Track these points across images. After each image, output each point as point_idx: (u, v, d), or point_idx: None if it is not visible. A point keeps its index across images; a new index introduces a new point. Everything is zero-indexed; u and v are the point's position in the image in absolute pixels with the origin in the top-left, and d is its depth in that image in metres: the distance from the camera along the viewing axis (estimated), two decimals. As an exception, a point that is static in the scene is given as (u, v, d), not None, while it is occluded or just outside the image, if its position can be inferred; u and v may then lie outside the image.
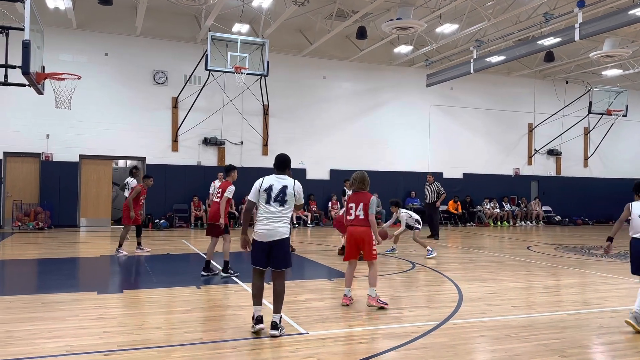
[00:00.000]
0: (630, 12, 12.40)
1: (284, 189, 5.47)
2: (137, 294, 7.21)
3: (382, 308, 6.25)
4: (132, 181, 11.47)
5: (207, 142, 18.35)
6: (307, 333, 5.17)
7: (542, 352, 4.73)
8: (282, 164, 5.78)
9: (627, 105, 22.20)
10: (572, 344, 4.99)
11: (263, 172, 20.06)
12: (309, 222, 18.83)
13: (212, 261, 8.65)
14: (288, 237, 5.27)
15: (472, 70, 17.78)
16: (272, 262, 5.24)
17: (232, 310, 6.14)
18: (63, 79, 10.25)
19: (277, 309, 5.18)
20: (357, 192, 6.83)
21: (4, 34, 8.48)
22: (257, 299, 5.28)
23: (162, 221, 17.33)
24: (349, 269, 6.68)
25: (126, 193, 11.51)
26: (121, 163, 20.87)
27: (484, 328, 5.55)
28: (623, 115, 22.26)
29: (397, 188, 20.78)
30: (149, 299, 6.83)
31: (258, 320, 5.15)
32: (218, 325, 5.47)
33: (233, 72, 15.72)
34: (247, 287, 7.39)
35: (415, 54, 19.57)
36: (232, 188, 8.48)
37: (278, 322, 5.07)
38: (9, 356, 4.42)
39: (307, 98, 19.75)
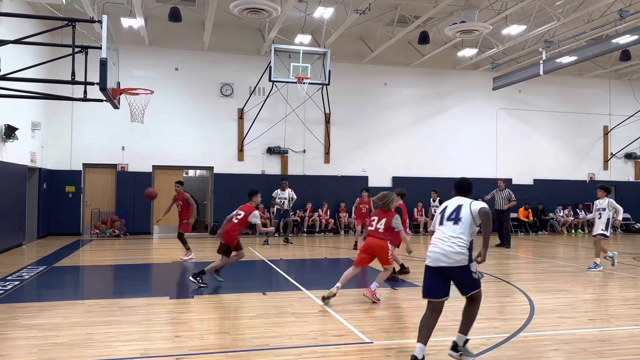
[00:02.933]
0: None
1: (457, 209, 4.88)
2: (207, 299, 7.44)
3: (374, 302, 6.89)
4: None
5: (270, 151, 18.73)
6: (371, 342, 5.13)
7: (623, 370, 4.44)
8: (464, 188, 5.10)
9: None
10: (657, 362, 4.66)
11: (325, 180, 20.31)
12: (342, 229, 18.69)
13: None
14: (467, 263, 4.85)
15: (541, 72, 17.07)
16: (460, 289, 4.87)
17: (297, 317, 6.20)
18: (137, 94, 10.81)
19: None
20: (382, 209, 7.31)
21: (84, 53, 9.07)
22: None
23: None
24: (352, 270, 7.17)
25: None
26: (191, 173, 21.72)
27: (558, 341, 5.28)
28: None
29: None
30: (218, 305, 7.04)
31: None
32: (282, 332, 5.55)
33: (295, 82, 15.97)
34: (311, 295, 7.44)
35: (480, 57, 19.06)
36: (256, 213, 8.42)
37: (461, 345, 4.64)
38: (89, 357, 4.69)
39: (368, 105, 19.72)
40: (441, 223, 4.89)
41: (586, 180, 21.61)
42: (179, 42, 18.03)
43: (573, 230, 20.36)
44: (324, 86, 17.26)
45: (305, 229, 18.30)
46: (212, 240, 16.42)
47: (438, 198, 16.86)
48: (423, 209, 19.47)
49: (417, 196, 19.44)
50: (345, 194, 18.99)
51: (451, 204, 4.95)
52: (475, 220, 4.80)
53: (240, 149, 18.56)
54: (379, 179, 19.69)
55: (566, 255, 13.41)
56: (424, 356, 4.43)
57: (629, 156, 22.09)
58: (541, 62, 16.98)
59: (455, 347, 4.67)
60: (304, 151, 19.13)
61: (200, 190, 21.19)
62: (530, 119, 21.25)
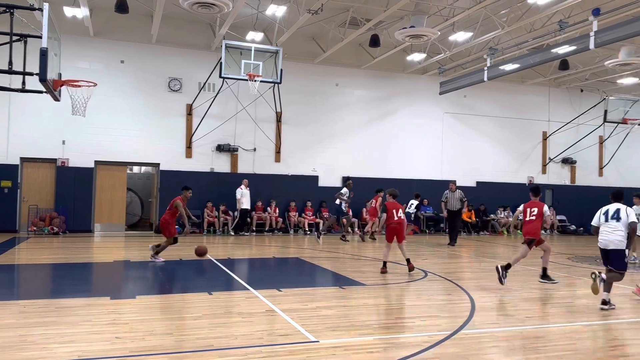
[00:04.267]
0: (647, 20, 12.26)
1: (617, 211, 7.11)
2: (150, 299, 7.23)
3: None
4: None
5: (220, 148, 18.45)
6: (317, 341, 5.14)
7: (555, 364, 4.65)
8: (619, 196, 7.40)
9: (644, 114, 21.91)
10: (586, 356, 4.91)
11: (275, 178, 20.22)
12: (321, 228, 18.76)
13: None
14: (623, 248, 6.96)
15: (485, 79, 17.69)
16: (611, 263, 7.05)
17: (243, 317, 6.13)
18: (79, 86, 10.39)
19: (607, 287, 6.98)
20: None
21: (23, 41, 8.63)
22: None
23: (175, 227, 17.36)
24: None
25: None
26: (136, 169, 21.09)
27: (497, 338, 5.48)
28: (639, 124, 21.95)
29: (410, 196, 20.65)
30: (161, 305, 6.86)
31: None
32: (228, 332, 5.47)
33: (247, 80, 15.82)
34: (259, 294, 7.39)
35: (428, 62, 19.53)
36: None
37: (607, 300, 6.90)
38: (22, 360, 4.46)
39: (319, 105, 19.80)
40: (606, 220, 7.10)
41: (525, 183, 22.54)
42: (126, 34, 17.47)
43: (507, 231, 21.18)
44: (276, 85, 17.19)
45: (254, 228, 18.15)
46: (156, 239, 16.02)
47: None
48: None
49: (367, 196, 19.66)
50: (295, 193, 19.01)
51: (612, 207, 7.17)
52: (630, 217, 7.00)
53: (189, 146, 18.19)
54: (329, 179, 19.82)
55: (506, 255, 13.93)
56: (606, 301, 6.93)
57: (565, 161, 23.23)
58: (486, 68, 17.59)
59: (604, 302, 6.93)
60: (255, 149, 18.97)
61: (145, 187, 20.61)
62: (475, 123, 21.97)
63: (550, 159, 23.06)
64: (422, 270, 10.20)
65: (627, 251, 6.93)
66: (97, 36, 17.12)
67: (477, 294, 7.89)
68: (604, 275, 7.07)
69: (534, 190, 9.61)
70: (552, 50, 15.24)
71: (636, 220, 6.95)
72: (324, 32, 17.86)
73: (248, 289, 7.82)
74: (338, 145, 19.97)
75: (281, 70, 16.14)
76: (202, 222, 17.87)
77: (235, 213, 18.04)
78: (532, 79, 22.02)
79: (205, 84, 17.78)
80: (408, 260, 9.92)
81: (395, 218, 9.77)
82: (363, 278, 9.09)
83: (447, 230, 16.18)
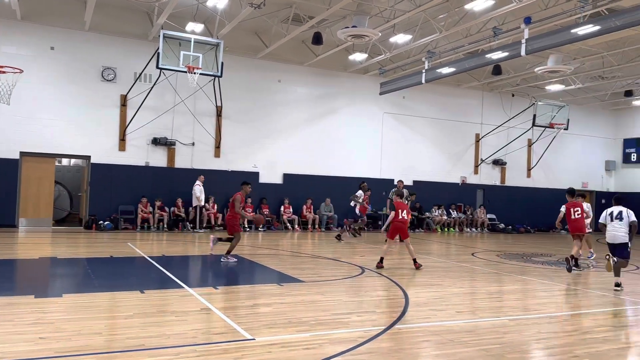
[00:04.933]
0: (573, 30, 13.04)
1: (620, 212, 8.81)
2: (77, 298, 6.91)
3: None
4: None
5: (156, 142, 17.92)
6: (253, 339, 5.11)
7: (483, 357, 4.86)
8: (621, 200, 9.12)
9: (569, 119, 23.30)
10: (512, 349, 5.16)
11: (214, 174, 19.92)
12: (261, 226, 18.66)
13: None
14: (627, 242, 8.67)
15: (423, 81, 18.20)
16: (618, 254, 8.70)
17: (177, 316, 5.99)
18: (4, 72, 9.77)
19: (617, 272, 8.65)
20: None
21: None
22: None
23: (106, 223, 16.75)
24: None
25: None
26: (65, 162, 20.10)
27: (429, 333, 5.65)
28: (564, 129, 23.35)
29: (349, 193, 20.91)
30: (89, 304, 6.57)
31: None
32: (161, 331, 5.32)
33: (185, 72, 15.42)
34: (194, 292, 7.24)
35: (369, 62, 19.84)
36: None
37: (619, 283, 8.59)
38: None
39: (261, 101, 19.64)
40: (612, 220, 8.78)
41: (459, 183, 23.43)
42: (57, 20, 16.59)
43: (446, 229, 21.97)
44: (216, 78, 16.88)
45: (190, 224, 17.76)
46: (86, 235, 15.35)
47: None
48: (312, 207, 19.81)
49: (307, 194, 19.77)
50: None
51: (615, 209, 8.86)
52: (631, 218, 8.69)
53: (122, 138, 17.53)
54: (270, 176, 19.74)
55: (439, 252, 14.43)
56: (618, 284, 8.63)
57: (496, 162, 24.33)
58: (424, 71, 18.09)
59: (617, 284, 8.61)
60: (193, 144, 18.56)
61: (74, 180, 19.73)
62: (413, 124, 22.56)
63: (482, 160, 24.07)
64: (360, 266, 10.37)
65: (629, 243, 8.68)
66: (25, 20, 16.15)
67: (412, 290, 8.11)
68: (615, 258, 8.68)
69: (570, 192, 11.48)
70: (486, 56, 15.89)
71: (636, 220, 8.71)
72: (267, 27, 17.74)
73: (183, 287, 7.64)
74: (280, 142, 19.91)
75: (222, 63, 15.87)
76: (136, 218, 17.30)
77: (190, 209, 17.70)
78: (467, 82, 22.88)
79: (141, 74, 17.19)
80: (414, 261, 10.52)
81: (400, 217, 10.50)
82: (302, 275, 9.12)
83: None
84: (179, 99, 17.95)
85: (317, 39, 17.20)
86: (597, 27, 12.50)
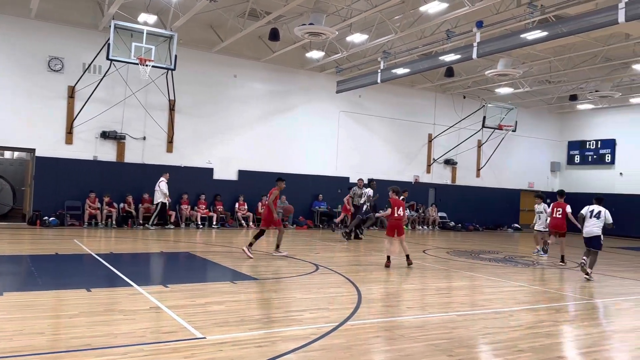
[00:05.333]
0: (522, 35, 13.50)
1: (599, 212, 10.13)
2: (19, 296, 6.62)
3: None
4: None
5: (105, 135, 17.36)
6: (204, 338, 5.04)
7: (432, 352, 4.98)
8: (601, 200, 10.47)
9: (517, 122, 24.14)
10: (459, 344, 5.31)
11: (167, 170, 19.43)
12: (215, 222, 18.44)
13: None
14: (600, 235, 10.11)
15: (379, 80, 18.43)
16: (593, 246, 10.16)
17: (125, 315, 5.84)
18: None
19: (591, 265, 10.16)
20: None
21: None
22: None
23: (51, 219, 16.10)
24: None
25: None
26: (7, 154, 19.19)
27: (380, 329, 5.74)
28: (512, 131, 24.17)
29: (305, 191, 20.99)
30: (32, 303, 6.30)
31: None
32: (108, 331, 5.17)
33: (137, 64, 14.99)
34: (143, 290, 7.07)
35: (326, 60, 19.90)
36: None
37: (589, 272, 10.11)
38: None
39: (216, 96, 19.36)
40: (591, 217, 10.11)
41: (412, 182, 23.88)
42: (0, 6, 15.77)
43: (399, 227, 22.33)
44: (169, 71, 16.48)
45: (141, 221, 17.32)
46: (29, 232, 14.72)
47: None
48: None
49: (263, 190, 19.62)
50: (188, 185, 18.43)
51: (595, 208, 10.19)
52: (607, 218, 10.02)
53: (69, 131, 16.89)
54: (225, 172, 19.51)
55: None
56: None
57: (447, 162, 24.94)
58: (379, 71, 18.33)
59: (587, 273, 10.13)
60: (144, 138, 18.10)
61: (17, 174, 18.88)
62: (368, 123, 22.82)
63: (435, 160, 24.63)
64: (314, 264, 10.41)
65: (601, 237, 10.15)
66: (-38, 3, 15.29)
67: (364, 287, 8.21)
68: (584, 259, 10.19)
69: (560, 193, 13.00)
70: (440, 58, 16.25)
71: (612, 222, 10.01)
72: (223, 20, 17.49)
73: (132, 286, 7.45)
74: (235, 138, 19.69)
75: (175, 56, 15.51)
76: (83, 214, 16.72)
77: (153, 205, 17.35)
78: (421, 83, 23.33)
79: (90, 65, 16.59)
80: (407, 257, 10.80)
81: (396, 215, 10.77)
82: (255, 272, 9.07)
83: (347, 224, 16.69)
84: (129, 91, 17.45)
85: (274, 35, 17.11)
86: (545, 33, 13.00)
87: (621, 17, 11.02)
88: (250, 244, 11.10)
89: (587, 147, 27.17)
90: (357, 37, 17.19)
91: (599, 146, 26.61)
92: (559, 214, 12.33)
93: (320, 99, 21.56)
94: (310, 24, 14.34)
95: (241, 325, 5.57)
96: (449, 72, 20.69)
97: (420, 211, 23.39)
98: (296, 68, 20.89)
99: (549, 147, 28.32)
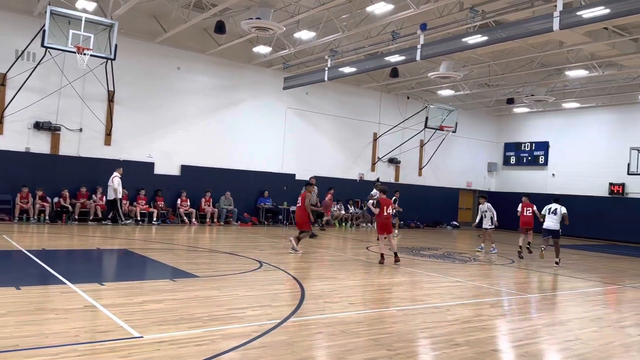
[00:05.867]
0: (464, 39, 13.93)
1: (556, 209, 12.62)
2: (-63, 297, 6.17)
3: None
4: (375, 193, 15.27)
5: (39, 126, 16.49)
6: (141, 337, 4.88)
7: (372, 346, 5.06)
8: (558, 200, 12.92)
9: (457, 123, 24.95)
10: (398, 338, 5.42)
11: (104, 163, 18.76)
12: (155, 218, 17.93)
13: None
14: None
15: (326, 78, 18.51)
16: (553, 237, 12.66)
17: (57, 314, 5.57)
18: None
19: (557, 254, 12.65)
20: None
21: None
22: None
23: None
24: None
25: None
26: None
27: (322, 325, 5.77)
28: (453, 132, 24.96)
29: (250, 187, 20.80)
30: (-48, 303, 5.90)
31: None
32: (38, 330, 4.91)
33: (74, 52, 14.32)
34: (77, 289, 6.77)
35: (273, 56, 19.76)
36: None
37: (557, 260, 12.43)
38: None
39: (158, 88, 18.80)
40: (549, 215, 12.58)
41: (357, 179, 24.18)
42: None
43: (344, 224, 22.58)
44: (109, 61, 15.87)
45: (76, 217, 16.58)
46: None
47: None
48: (211, 200, 19.38)
49: (206, 186, 19.31)
50: (127, 179, 17.79)
51: (553, 206, 12.67)
52: (562, 215, 12.45)
53: (0, 121, 15.92)
54: (167, 167, 19.00)
55: (337, 246, 14.79)
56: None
57: (391, 161, 25.43)
58: (326, 69, 18.41)
59: (556, 262, 12.39)
60: (81, 130, 17.34)
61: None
62: (315, 120, 22.89)
63: (379, 158, 25.04)
64: (258, 260, 10.33)
65: (560, 230, 12.59)
66: None
67: (308, 283, 8.23)
68: (543, 247, 12.82)
69: (527, 195, 14.62)
70: (385, 58, 16.51)
71: (566, 212, 12.55)
72: (167, 11, 17.01)
73: (65, 283, 7.11)
74: (178, 132, 19.21)
75: (116, 45, 14.94)
76: (13, 208, 15.81)
77: (103, 201, 16.86)
78: (367, 83, 23.64)
79: (23, 52, 15.71)
80: (395, 254, 11.15)
81: (385, 213, 11.09)
82: (196, 270, 8.89)
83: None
84: (66, 81, 16.65)
85: (220, 28, 16.80)
86: (485, 38, 13.48)
87: (556, 25, 11.59)
88: (297, 244, 12.04)
89: (522, 148, 28.46)
90: (305, 34, 17.19)
91: (533, 148, 27.93)
92: (529, 213, 14.01)
93: (267, 95, 21.40)
94: (258, 18, 14.21)
95: (180, 324, 5.44)
96: (394, 73, 21.06)
97: (365, 209, 23.69)
98: (243, 62, 20.63)
99: (487, 148, 29.44)
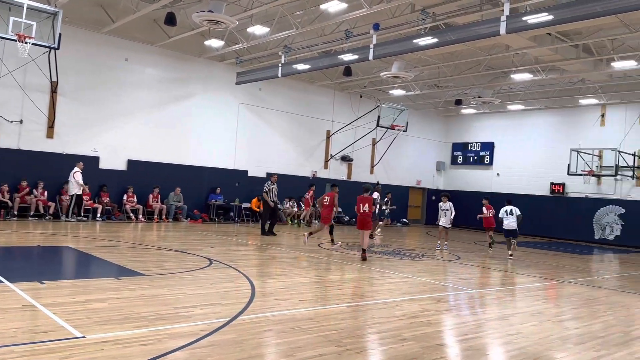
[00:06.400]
0: (415, 40, 14.21)
1: (512, 209, 13.94)
2: None
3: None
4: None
5: (-25, 117, 15.62)
6: (83, 337, 4.71)
7: (322, 343, 5.08)
8: (511, 202, 14.43)
9: (407, 122, 25.39)
10: (348, 334, 5.48)
11: (46, 157, 18.03)
12: (99, 215, 17.32)
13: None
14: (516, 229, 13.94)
15: (279, 75, 18.42)
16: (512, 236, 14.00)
17: (-8, 315, 5.29)
18: None
19: (513, 249, 14.00)
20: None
21: None
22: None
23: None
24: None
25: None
26: None
27: (272, 322, 5.75)
28: (404, 131, 25.40)
29: (201, 183, 20.44)
30: None
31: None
32: (-30, 333, 4.65)
33: (15, 40, 13.61)
34: (15, 287, 6.46)
35: (226, 50, 19.46)
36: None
37: (511, 253, 13.79)
38: None
39: (105, 79, 18.16)
40: (507, 216, 13.86)
41: (309, 176, 24.23)
42: None
43: (296, 221, 22.57)
44: (52, 50, 15.20)
45: (16, 212, 15.81)
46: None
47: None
48: (159, 196, 18.91)
49: (154, 182, 18.84)
50: (68, 173, 17.11)
51: (508, 208, 13.92)
52: (518, 217, 13.84)
53: None
54: (113, 161, 18.39)
55: (289, 243, 14.77)
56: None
57: (344, 158, 25.64)
58: (280, 65, 18.32)
59: (510, 255, 13.86)
60: (21, 121, 16.54)
61: None
62: (268, 117, 22.75)
63: (332, 156, 25.20)
64: (208, 258, 10.17)
65: (517, 229, 14.00)
66: None
67: (259, 280, 8.18)
68: (510, 251, 13.96)
69: (487, 198, 16.21)
70: (339, 57, 16.61)
71: (520, 214, 13.98)
72: (115, 0, 16.45)
73: (2, 282, 6.77)
74: (125, 125, 18.64)
75: (60, 34, 14.32)
76: None
77: (66, 197, 16.35)
78: (321, 80, 23.72)
79: (-43, 37, 14.79)
80: (363, 250, 11.59)
81: (361, 210, 11.58)
82: (143, 268, 8.67)
83: (266, 220, 16.42)
84: (5, 70, 15.82)
85: (170, 20, 16.39)
86: (435, 40, 13.78)
87: (502, 29, 12.00)
88: (332, 241, 13.12)
89: (469, 148, 29.36)
90: (258, 29, 17.04)
91: (479, 148, 28.86)
92: (491, 214, 15.63)
93: (219, 90, 21.09)
94: (210, 11, 13.96)
95: (125, 323, 5.29)
96: (347, 72, 21.22)
97: (317, 206, 23.73)
98: (194, 56, 20.23)
99: (436, 148, 30.17)
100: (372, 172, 26.94)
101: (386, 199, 19.58)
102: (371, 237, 17.05)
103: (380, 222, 18.82)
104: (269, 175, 17.76)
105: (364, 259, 11.42)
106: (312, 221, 21.81)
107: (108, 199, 17.83)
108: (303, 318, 6.02)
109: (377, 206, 17.34)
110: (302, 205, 22.96)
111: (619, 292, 9.84)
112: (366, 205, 11.63)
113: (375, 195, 17.42)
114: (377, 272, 10.22)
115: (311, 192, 20.89)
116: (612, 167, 22.25)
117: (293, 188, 22.95)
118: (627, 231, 22.86)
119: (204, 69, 20.63)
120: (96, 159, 17.95)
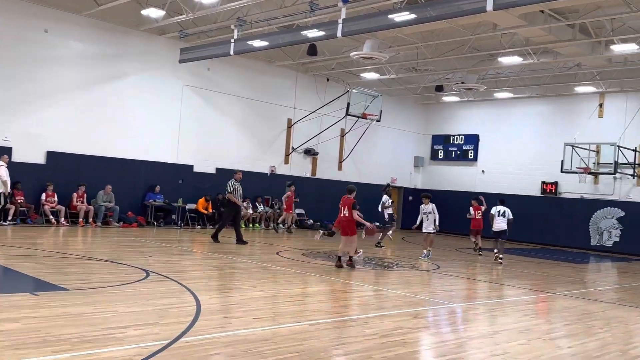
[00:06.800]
0: (390, 16, 14.33)
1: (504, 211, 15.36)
2: None
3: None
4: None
5: None
6: (-11, 365, 4.55)
7: (279, 368, 5.06)
8: (504, 202, 15.88)
9: (382, 111, 25.62)
10: (309, 357, 5.47)
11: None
12: (11, 217, 16.77)
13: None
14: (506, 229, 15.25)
15: (232, 52, 18.25)
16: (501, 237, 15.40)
17: None
18: None
19: (501, 252, 15.24)
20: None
21: None
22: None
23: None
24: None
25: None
26: None
27: (220, 344, 5.70)
28: (377, 120, 25.60)
29: (136, 180, 20.09)
30: None
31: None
32: None
33: None
34: None
35: (167, 22, 19.13)
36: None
37: (500, 256, 15.19)
38: None
39: (19, 55, 17.58)
40: (498, 217, 15.27)
41: (267, 173, 24.16)
42: None
43: (251, 224, 22.47)
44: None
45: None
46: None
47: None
48: (85, 195, 18.50)
49: (79, 178, 18.43)
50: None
51: (501, 208, 15.41)
52: (509, 220, 15.29)
53: None
54: (29, 153, 17.84)
55: (241, 251, 14.68)
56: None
57: (308, 152, 25.67)
58: (232, 40, 18.15)
59: (498, 258, 15.21)
60: None
61: None
62: (218, 101, 22.54)
63: (294, 149, 25.19)
64: (144, 270, 10.00)
65: (507, 231, 15.21)
66: None
67: (205, 295, 8.09)
68: (496, 252, 15.21)
69: (476, 198, 17.64)
70: (302, 32, 16.58)
71: (512, 218, 15.31)
72: (32, -41, 15.96)
73: None
74: (44, 110, 18.10)
75: (-37, -1, 13.81)
76: None
77: None
78: (281, 60, 23.64)
79: None
80: (339, 258, 11.90)
81: (341, 215, 11.91)
82: (65, 281, 8.45)
83: (226, 224, 16.17)
84: None
85: (101, -15, 16.04)
86: (413, 16, 13.92)
87: (489, 5, 12.22)
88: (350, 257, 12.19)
89: (451, 141, 29.86)
90: (207, -2, 16.82)
91: (462, 142, 29.38)
92: (480, 216, 17.18)
93: (159, 68, 20.74)
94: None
95: (42, 347, 5.14)
96: (312, 50, 21.20)
97: (276, 207, 23.74)
98: (129, 28, 19.82)
99: (413, 141, 30.58)
100: (340, 168, 27.08)
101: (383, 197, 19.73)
102: (378, 244, 17.63)
103: (390, 230, 18.96)
104: (233, 172, 16.73)
105: (339, 266, 11.72)
106: (292, 225, 22.15)
107: (23, 198, 17.31)
108: (257, 339, 5.98)
109: (387, 210, 17.91)
110: (276, 207, 23.20)
111: (616, 306, 10.20)
112: (345, 208, 11.73)
113: (385, 198, 17.70)
114: (344, 284, 10.27)
115: (291, 192, 21.27)
116: (611, 164, 22.78)
117: (247, 186, 22.82)
118: (627, 237, 23.69)
119: (140, 43, 20.25)
120: (7, 150, 17.33)
